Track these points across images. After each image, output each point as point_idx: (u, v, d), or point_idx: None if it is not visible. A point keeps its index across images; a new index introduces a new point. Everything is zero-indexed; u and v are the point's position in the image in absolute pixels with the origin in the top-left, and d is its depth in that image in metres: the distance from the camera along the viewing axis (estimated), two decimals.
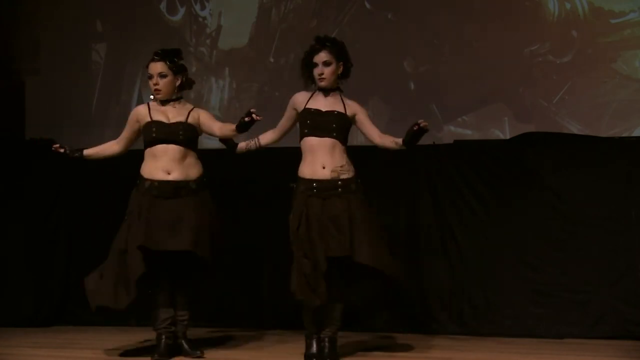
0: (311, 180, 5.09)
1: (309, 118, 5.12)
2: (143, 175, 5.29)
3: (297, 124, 5.27)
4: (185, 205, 5.20)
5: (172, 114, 5.34)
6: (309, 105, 5.15)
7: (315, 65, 5.12)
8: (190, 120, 5.33)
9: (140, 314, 6.62)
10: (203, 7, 7.16)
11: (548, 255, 6.13)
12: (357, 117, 5.20)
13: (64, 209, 6.99)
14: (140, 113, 5.38)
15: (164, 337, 5.31)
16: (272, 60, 6.99)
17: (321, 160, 5.08)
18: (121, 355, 5.51)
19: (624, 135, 6.22)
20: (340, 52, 5.14)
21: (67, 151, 5.47)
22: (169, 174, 5.22)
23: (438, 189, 6.36)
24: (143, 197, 5.22)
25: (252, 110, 5.04)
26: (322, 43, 5.13)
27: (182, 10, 7.21)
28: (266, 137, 5.37)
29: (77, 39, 7.35)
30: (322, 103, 5.16)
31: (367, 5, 6.77)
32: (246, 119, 5.03)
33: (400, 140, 5.04)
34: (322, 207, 5.04)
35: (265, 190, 6.51)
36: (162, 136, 5.25)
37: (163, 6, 7.24)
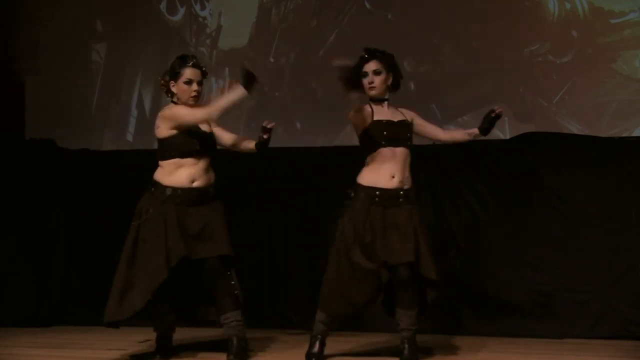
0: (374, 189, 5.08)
1: (384, 129, 5.10)
2: (161, 182, 5.17)
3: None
4: (211, 211, 5.18)
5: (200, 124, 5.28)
6: (377, 117, 5.13)
7: (366, 74, 5.13)
8: (214, 129, 5.36)
9: (140, 314, 6.63)
10: (203, 7, 7.16)
11: (548, 255, 6.13)
12: (415, 121, 5.25)
13: (64, 209, 6.99)
14: (183, 110, 5.27)
15: (164, 337, 5.34)
16: (272, 60, 6.99)
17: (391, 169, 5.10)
18: (121, 355, 5.51)
19: (624, 135, 6.22)
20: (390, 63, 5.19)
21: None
22: (193, 182, 5.17)
23: (438, 189, 6.36)
24: (165, 205, 5.12)
25: (264, 124, 5.12)
26: (372, 53, 5.17)
27: (182, 10, 7.21)
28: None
29: (77, 39, 7.34)
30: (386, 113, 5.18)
31: (367, 5, 6.77)
32: (264, 136, 5.14)
33: (474, 130, 5.15)
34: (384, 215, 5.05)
35: (265, 190, 6.51)
36: (198, 147, 5.19)
37: (163, 6, 7.24)
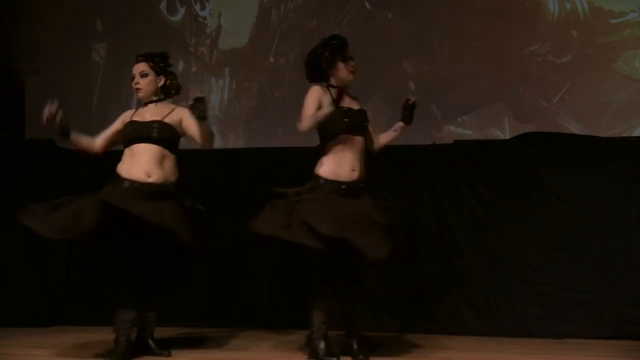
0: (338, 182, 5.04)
1: (346, 116, 5.07)
2: (121, 173, 5.22)
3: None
4: (164, 207, 5.10)
5: (151, 113, 5.33)
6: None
7: (351, 57, 5.17)
8: (167, 119, 5.28)
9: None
10: (203, 7, 7.16)
11: (548, 255, 6.13)
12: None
13: None
14: (126, 115, 5.43)
15: (123, 338, 5.24)
16: (272, 60, 6.99)
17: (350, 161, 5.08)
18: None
19: (624, 135, 6.23)
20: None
21: (59, 121, 5.28)
22: (149, 176, 5.17)
23: (438, 189, 6.36)
24: (120, 195, 5.09)
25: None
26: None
27: (182, 10, 7.21)
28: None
29: (77, 39, 7.34)
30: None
31: (367, 5, 6.77)
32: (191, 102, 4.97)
33: (398, 124, 5.19)
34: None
35: (265, 190, 6.50)
36: (135, 133, 5.23)
37: (163, 6, 7.24)
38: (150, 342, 5.39)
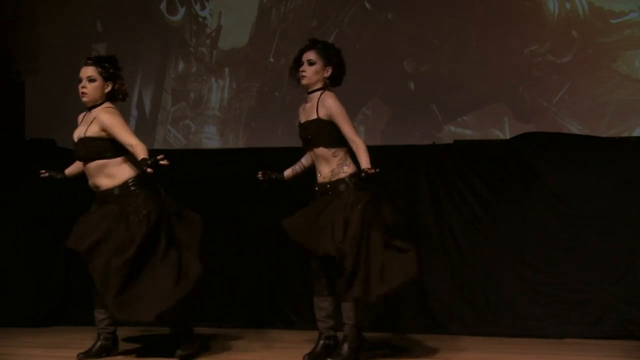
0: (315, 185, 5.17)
1: (299, 132, 5.20)
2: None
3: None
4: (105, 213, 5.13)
5: (82, 126, 5.27)
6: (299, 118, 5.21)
7: (301, 63, 5.09)
8: (89, 133, 5.17)
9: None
10: (203, 7, 7.17)
11: (548, 255, 6.12)
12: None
13: (64, 209, 6.97)
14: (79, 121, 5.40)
15: (101, 337, 5.31)
16: (272, 60, 7.00)
17: (318, 169, 5.17)
18: (121, 355, 5.51)
19: (624, 135, 6.23)
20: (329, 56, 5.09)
21: (52, 174, 5.55)
22: (97, 187, 5.21)
23: (438, 189, 6.35)
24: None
25: (159, 157, 4.81)
26: (313, 43, 5.10)
27: (182, 10, 7.21)
28: (309, 158, 5.28)
29: (77, 39, 7.35)
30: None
31: (367, 5, 6.78)
32: (149, 161, 4.81)
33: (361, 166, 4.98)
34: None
35: (265, 190, 6.50)
36: (73, 156, 5.31)
37: (163, 6, 7.24)
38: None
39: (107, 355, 5.30)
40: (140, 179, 5.08)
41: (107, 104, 5.22)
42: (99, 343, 5.31)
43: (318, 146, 5.05)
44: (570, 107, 6.37)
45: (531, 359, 5.35)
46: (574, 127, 6.35)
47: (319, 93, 5.06)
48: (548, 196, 6.16)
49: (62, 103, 7.30)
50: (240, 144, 6.98)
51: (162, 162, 4.74)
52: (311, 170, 5.24)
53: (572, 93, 6.37)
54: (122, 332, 5.62)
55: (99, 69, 5.20)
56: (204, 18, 7.17)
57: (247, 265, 6.55)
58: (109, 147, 5.14)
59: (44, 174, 5.53)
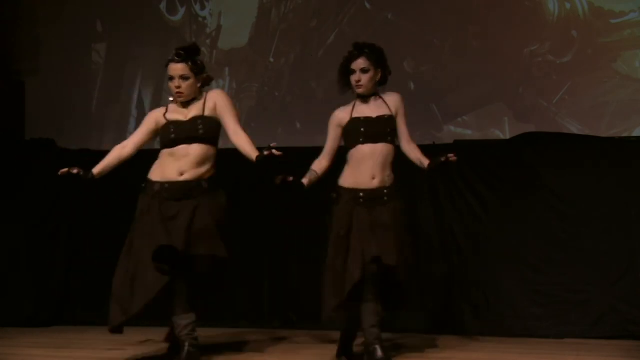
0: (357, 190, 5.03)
1: (361, 126, 5.04)
2: (151, 178, 5.08)
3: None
4: (191, 206, 4.96)
5: (189, 110, 5.08)
6: (355, 115, 5.08)
7: (353, 72, 5.05)
8: (207, 112, 5.05)
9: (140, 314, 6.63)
10: (203, 7, 7.16)
11: (548, 255, 6.13)
12: (397, 118, 5.11)
13: (64, 209, 6.98)
14: (158, 115, 5.14)
15: (187, 344, 5.00)
16: (272, 60, 6.99)
17: (372, 170, 5.03)
18: (121, 355, 5.51)
19: (624, 135, 6.23)
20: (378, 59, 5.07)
21: (80, 173, 5.03)
22: (181, 174, 5.00)
23: (438, 189, 6.35)
24: (152, 200, 5.02)
25: (272, 145, 4.77)
26: (360, 50, 5.07)
27: (182, 10, 7.21)
28: (322, 166, 5.18)
29: (77, 39, 7.35)
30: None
31: (367, 5, 6.77)
32: (265, 152, 4.77)
33: (426, 162, 4.96)
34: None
35: (265, 190, 6.50)
36: (182, 135, 5.01)
37: (163, 6, 7.24)
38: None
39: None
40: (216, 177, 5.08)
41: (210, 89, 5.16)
42: (186, 350, 4.99)
43: (391, 143, 5.03)
44: (570, 107, 6.37)
45: (531, 359, 5.35)
46: (574, 127, 6.35)
47: (377, 97, 5.10)
48: (548, 196, 6.16)
49: (62, 103, 7.31)
50: None
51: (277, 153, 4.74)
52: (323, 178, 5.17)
53: (572, 93, 6.37)
54: None
55: (190, 65, 5.03)
56: (204, 18, 7.17)
57: (247, 265, 6.55)
58: (217, 133, 5.07)
59: (71, 171, 5.02)
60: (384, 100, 5.11)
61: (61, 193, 7.00)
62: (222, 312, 6.54)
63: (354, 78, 5.04)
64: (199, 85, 5.09)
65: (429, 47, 6.65)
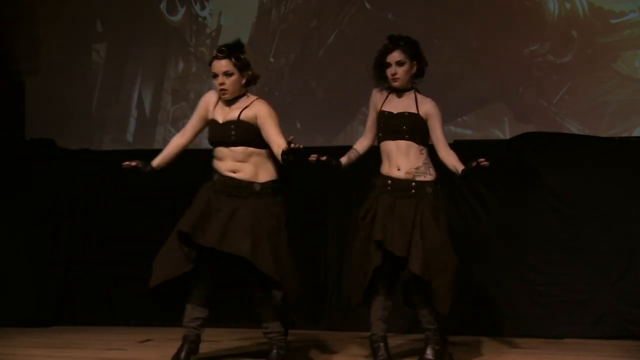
0: (387, 177, 5.01)
1: (382, 121, 5.05)
2: (214, 167, 5.04)
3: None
4: (242, 206, 4.86)
5: (229, 111, 4.98)
6: (384, 108, 5.08)
7: (389, 65, 5.04)
8: (243, 117, 4.93)
9: (140, 314, 6.64)
10: (203, 7, 7.16)
11: (548, 255, 6.13)
12: (428, 121, 5.07)
13: (64, 209, 6.99)
14: (210, 103, 5.04)
15: (190, 338, 4.92)
16: (272, 60, 6.99)
17: (396, 162, 5.00)
18: (121, 355, 5.51)
19: (624, 135, 6.23)
20: (414, 51, 5.05)
21: (139, 165, 4.96)
22: (235, 172, 4.93)
23: None
24: (209, 189, 4.95)
25: (290, 138, 4.63)
26: (395, 42, 5.05)
27: (182, 10, 7.21)
28: (363, 145, 5.15)
29: (77, 39, 7.34)
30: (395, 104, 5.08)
31: (367, 5, 6.77)
32: (287, 147, 4.62)
33: (460, 167, 4.90)
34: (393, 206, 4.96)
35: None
36: (217, 138, 4.99)
37: (163, 6, 7.24)
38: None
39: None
40: (279, 182, 4.94)
41: (256, 96, 5.04)
42: (187, 345, 4.90)
43: (410, 139, 4.99)
44: (570, 107, 6.37)
45: (531, 359, 5.35)
46: (574, 127, 6.35)
47: (413, 92, 5.08)
48: (548, 196, 6.16)
49: (62, 103, 7.31)
50: None
51: (298, 145, 4.60)
52: (362, 160, 5.15)
53: (572, 93, 6.37)
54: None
55: (234, 61, 4.92)
56: (204, 18, 7.17)
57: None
58: (257, 136, 4.92)
59: (130, 165, 4.93)
60: (416, 100, 5.07)
61: (61, 193, 7.00)
62: (223, 312, 6.54)
63: (389, 71, 5.03)
64: (243, 81, 4.98)
65: (429, 47, 6.62)
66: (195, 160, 6.83)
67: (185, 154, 7.03)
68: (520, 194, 6.19)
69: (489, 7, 6.54)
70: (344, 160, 5.09)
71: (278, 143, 4.82)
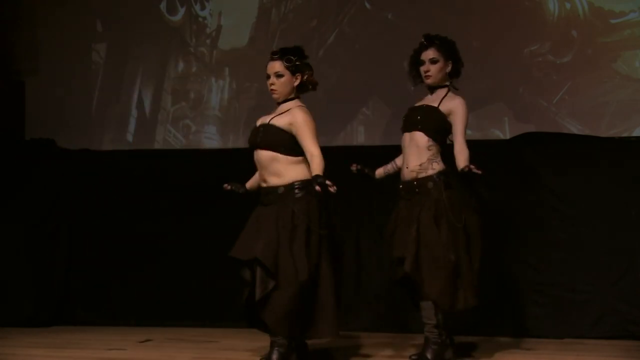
0: (400, 182, 5.10)
1: (406, 114, 5.16)
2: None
3: None
4: (265, 212, 4.90)
5: (270, 115, 5.02)
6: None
7: (423, 62, 5.08)
8: (274, 122, 4.94)
9: (140, 314, 6.65)
10: (203, 7, 7.16)
11: (548, 255, 6.13)
12: (450, 116, 5.06)
13: (64, 209, 6.99)
14: None
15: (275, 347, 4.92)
16: None
17: (407, 159, 5.05)
18: (121, 355, 5.51)
19: (624, 135, 6.23)
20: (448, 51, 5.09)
21: (234, 188, 5.22)
22: (264, 181, 4.97)
23: None
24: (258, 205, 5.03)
25: (329, 183, 4.58)
26: (430, 40, 5.09)
27: (182, 10, 7.21)
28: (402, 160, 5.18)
29: (77, 39, 7.35)
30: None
31: (367, 5, 6.77)
32: (317, 187, 4.62)
33: (459, 169, 4.92)
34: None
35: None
36: (249, 139, 5.05)
37: (163, 6, 7.24)
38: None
39: None
40: (307, 184, 4.85)
41: (300, 103, 5.03)
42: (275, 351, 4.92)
43: (419, 130, 5.01)
44: (570, 107, 6.37)
45: (531, 359, 5.35)
46: (574, 127, 6.35)
47: (445, 90, 5.10)
48: (548, 196, 6.16)
49: (62, 103, 7.31)
50: (240, 144, 6.96)
51: (331, 188, 4.56)
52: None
53: (572, 93, 6.37)
54: None
55: (286, 63, 4.98)
56: (204, 18, 7.17)
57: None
58: (287, 142, 4.91)
59: (227, 187, 5.21)
60: (444, 97, 5.09)
61: (61, 193, 7.00)
62: (221, 311, 6.54)
63: (422, 68, 5.08)
64: (295, 84, 5.01)
65: None
66: (196, 161, 6.88)
67: (186, 154, 7.07)
68: (520, 194, 6.19)
69: (489, 7, 6.54)
70: (379, 171, 5.27)
71: (312, 152, 4.85)
